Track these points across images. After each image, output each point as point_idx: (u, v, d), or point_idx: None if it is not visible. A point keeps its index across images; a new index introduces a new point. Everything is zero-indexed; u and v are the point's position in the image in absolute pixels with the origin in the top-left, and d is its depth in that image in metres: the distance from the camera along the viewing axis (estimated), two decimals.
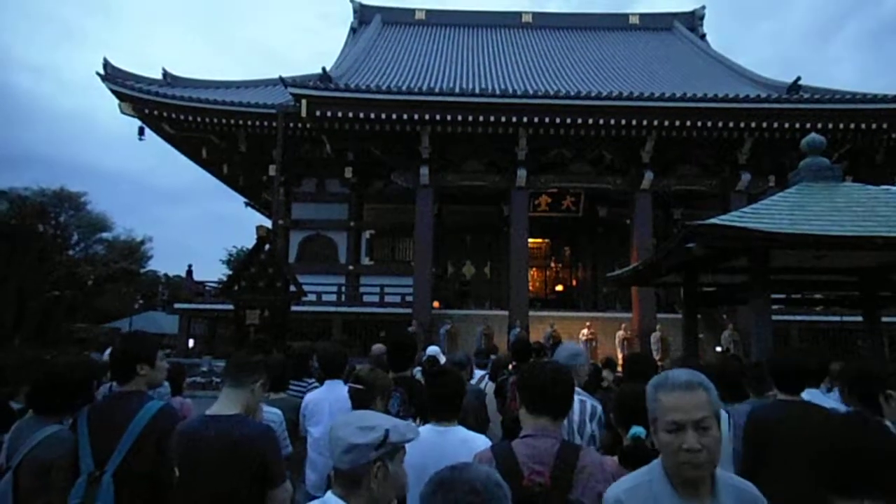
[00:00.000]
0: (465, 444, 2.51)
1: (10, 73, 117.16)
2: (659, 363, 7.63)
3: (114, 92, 19.82)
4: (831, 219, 5.68)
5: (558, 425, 2.20)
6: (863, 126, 17.32)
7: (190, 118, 19.83)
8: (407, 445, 2.51)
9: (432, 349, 6.79)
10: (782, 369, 3.00)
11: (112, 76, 19.91)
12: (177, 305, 21.15)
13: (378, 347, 6.15)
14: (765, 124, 17.38)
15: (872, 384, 2.80)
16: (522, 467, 2.03)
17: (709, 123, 17.34)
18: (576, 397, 3.24)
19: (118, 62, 20.54)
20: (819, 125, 16.33)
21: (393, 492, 1.71)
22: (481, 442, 2.55)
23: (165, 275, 46.91)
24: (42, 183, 28.37)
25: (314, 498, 1.88)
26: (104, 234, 33.39)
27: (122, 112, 20.04)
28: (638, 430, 2.26)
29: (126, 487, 2.42)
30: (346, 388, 4.31)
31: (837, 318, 18.02)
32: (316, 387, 4.83)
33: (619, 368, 7.54)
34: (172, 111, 19.74)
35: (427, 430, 2.61)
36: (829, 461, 1.46)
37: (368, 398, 3.02)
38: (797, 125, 17.07)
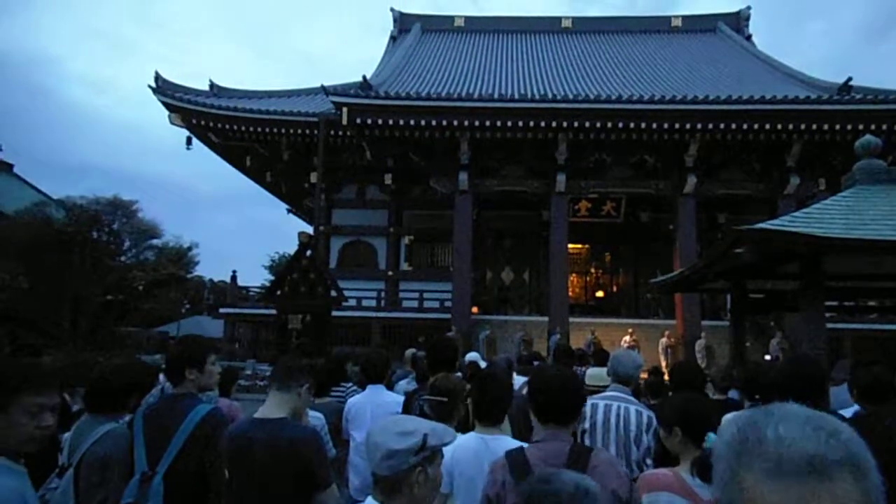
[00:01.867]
0: None
1: (69, 86, 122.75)
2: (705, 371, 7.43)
3: (164, 104, 20.53)
4: (888, 223, 5.45)
5: (569, 428, 2.22)
6: None
7: (234, 128, 20.38)
8: (457, 451, 2.52)
9: (472, 355, 6.78)
10: (792, 377, 2.95)
11: (163, 88, 20.63)
12: (222, 310, 21.65)
13: (411, 352, 6.17)
14: (814, 126, 16.82)
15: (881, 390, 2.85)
16: (534, 469, 2.04)
17: (755, 126, 16.88)
18: (632, 408, 3.20)
19: (169, 74, 21.32)
20: (872, 126, 15.71)
21: (432, 494, 1.72)
22: None
23: (211, 280, 47.97)
24: (96, 191, 29.55)
25: (357, 502, 1.89)
26: (154, 241, 34.40)
27: (172, 123, 20.73)
28: (715, 437, 2.22)
29: (176, 488, 2.49)
30: (387, 393, 4.36)
31: (894, 327, 17.29)
32: (354, 391, 4.89)
33: (666, 377, 7.38)
34: (218, 121, 20.32)
35: (473, 439, 2.56)
36: None
37: (451, 408, 2.90)
38: (848, 127, 16.46)
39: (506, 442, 2.59)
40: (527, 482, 1.25)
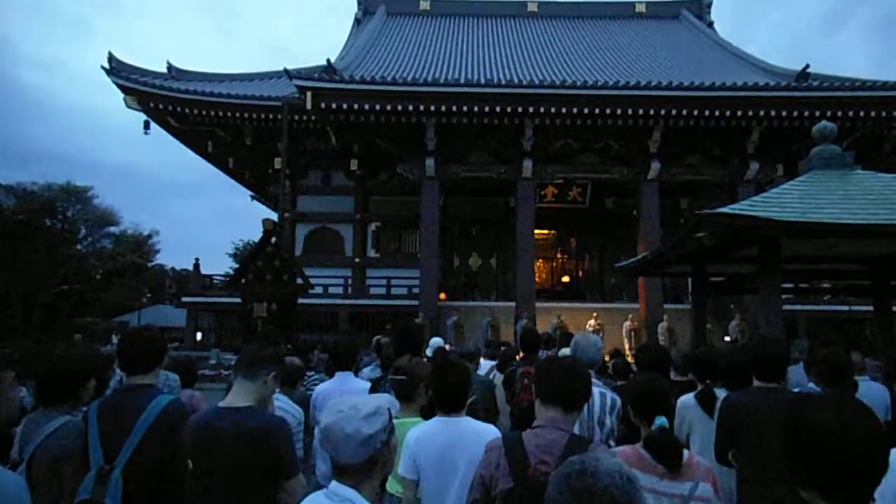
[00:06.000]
0: (477, 434, 2.53)
1: (20, 68, 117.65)
2: None
3: (118, 86, 19.82)
4: (844, 207, 5.61)
5: (571, 419, 2.20)
6: (872, 114, 17.12)
7: (195, 112, 19.83)
8: (421, 437, 2.54)
9: (436, 340, 6.79)
10: (760, 358, 3.11)
11: (117, 70, 19.91)
12: (184, 299, 21.23)
13: (381, 338, 6.16)
14: (773, 113, 17.21)
15: (841, 370, 3.01)
16: (530, 456, 2.06)
17: (716, 112, 17.18)
18: (596, 390, 3.24)
19: (126, 56, 20.60)
20: (828, 113, 16.17)
21: (393, 460, 1.75)
22: (491, 432, 2.57)
23: (173, 268, 47.12)
24: (49, 178, 28.48)
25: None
26: (111, 229, 33.51)
27: (128, 106, 20.06)
28: (662, 420, 2.28)
29: (135, 482, 2.42)
30: (355, 380, 4.32)
31: (846, 308, 17.93)
32: (317, 380, 4.85)
33: (630, 359, 7.51)
34: (177, 105, 19.74)
35: (437, 423, 2.63)
36: (797, 450, 1.27)
37: (412, 387, 3.02)
38: (806, 113, 16.90)
39: (471, 423, 2.65)
40: (563, 474, 1.18)
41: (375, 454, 1.63)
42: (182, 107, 19.74)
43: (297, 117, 18.98)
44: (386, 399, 1.76)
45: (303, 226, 23.41)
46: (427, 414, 3.11)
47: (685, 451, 2.29)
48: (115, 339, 22.41)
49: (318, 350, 6.96)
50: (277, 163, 19.65)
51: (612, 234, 23.70)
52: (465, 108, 17.22)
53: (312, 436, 4.13)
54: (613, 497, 1.12)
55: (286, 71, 18.23)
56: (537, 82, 17.83)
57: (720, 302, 18.20)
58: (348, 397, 1.72)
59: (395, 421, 1.74)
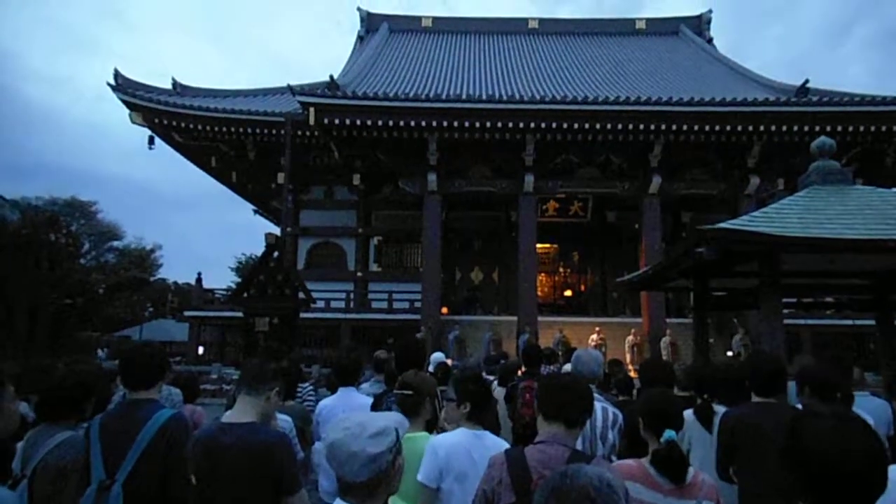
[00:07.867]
0: (498, 448, 2.56)
1: (25, 83, 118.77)
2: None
3: (124, 102, 20.03)
4: (843, 222, 5.64)
5: (573, 434, 2.20)
6: (872, 129, 17.18)
7: (199, 127, 19.99)
8: (448, 452, 2.59)
9: (437, 355, 6.77)
10: (756, 373, 3.13)
11: (123, 86, 20.13)
12: (187, 313, 21.24)
13: (382, 353, 6.16)
14: (773, 128, 17.28)
15: (829, 386, 3.04)
16: (532, 471, 2.06)
17: (717, 127, 17.26)
18: (598, 405, 3.25)
19: (130, 72, 20.81)
20: (828, 128, 16.23)
21: (399, 480, 1.74)
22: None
23: (175, 282, 47.17)
24: (53, 192, 28.66)
25: None
26: (115, 243, 33.59)
27: (133, 122, 20.24)
28: (671, 433, 2.28)
29: (136, 496, 2.42)
30: (358, 396, 4.33)
31: (849, 322, 17.88)
32: (312, 391, 4.85)
33: (632, 374, 7.51)
34: (181, 120, 19.91)
35: (464, 435, 2.69)
36: (800, 463, 1.28)
37: (418, 402, 3.01)
38: (806, 128, 16.96)
39: (493, 438, 2.73)
40: (550, 477, 1.26)
41: (381, 474, 1.62)
42: (186, 122, 19.91)
43: (299, 133, 19.12)
44: (394, 419, 1.73)
45: (305, 240, 23.47)
46: (432, 429, 3.13)
47: (691, 469, 2.29)
48: (100, 354, 22.38)
49: (320, 365, 6.97)
50: (280, 177, 19.75)
51: (614, 247, 23.69)
52: (466, 124, 17.34)
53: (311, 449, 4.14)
54: (589, 495, 1.17)
55: (289, 87, 18.41)
56: (538, 98, 17.95)
57: (723, 316, 18.16)
58: (356, 414, 1.73)
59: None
